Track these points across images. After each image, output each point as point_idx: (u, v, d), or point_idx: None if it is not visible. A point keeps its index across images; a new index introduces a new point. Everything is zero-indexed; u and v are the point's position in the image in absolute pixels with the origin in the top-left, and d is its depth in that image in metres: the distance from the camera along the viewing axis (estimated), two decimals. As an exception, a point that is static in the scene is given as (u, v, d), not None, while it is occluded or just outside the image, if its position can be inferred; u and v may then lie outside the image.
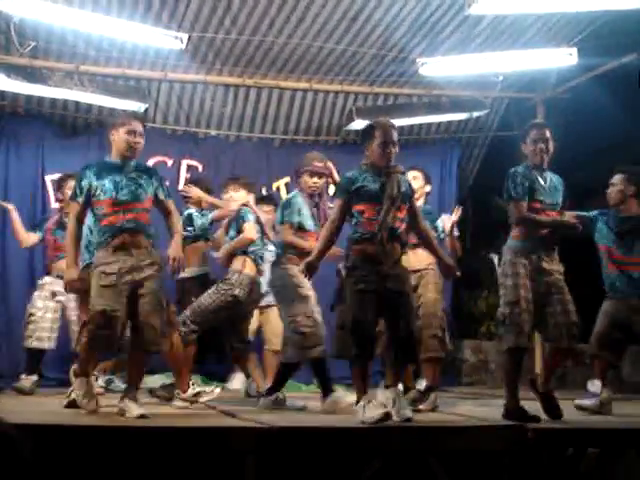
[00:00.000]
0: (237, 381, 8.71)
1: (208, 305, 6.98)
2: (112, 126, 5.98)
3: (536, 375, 6.28)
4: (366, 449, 5.25)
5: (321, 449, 5.14)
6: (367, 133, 5.97)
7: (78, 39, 8.65)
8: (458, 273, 6.26)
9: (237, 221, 7.28)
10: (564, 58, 8.84)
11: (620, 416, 6.66)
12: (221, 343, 7.53)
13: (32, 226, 8.50)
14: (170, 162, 10.02)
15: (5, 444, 1.74)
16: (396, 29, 8.78)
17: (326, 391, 6.57)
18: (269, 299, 7.74)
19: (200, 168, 10.08)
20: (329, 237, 5.84)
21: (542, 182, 6.11)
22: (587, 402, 6.74)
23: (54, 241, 8.07)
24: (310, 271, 5.80)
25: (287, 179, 10.10)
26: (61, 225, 7.87)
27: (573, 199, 6.69)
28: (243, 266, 7.12)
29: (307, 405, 6.74)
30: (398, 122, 9.67)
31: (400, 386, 6.04)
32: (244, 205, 7.38)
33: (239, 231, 7.23)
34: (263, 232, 7.42)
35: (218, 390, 6.52)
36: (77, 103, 9.58)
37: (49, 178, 9.45)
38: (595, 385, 6.83)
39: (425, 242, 6.22)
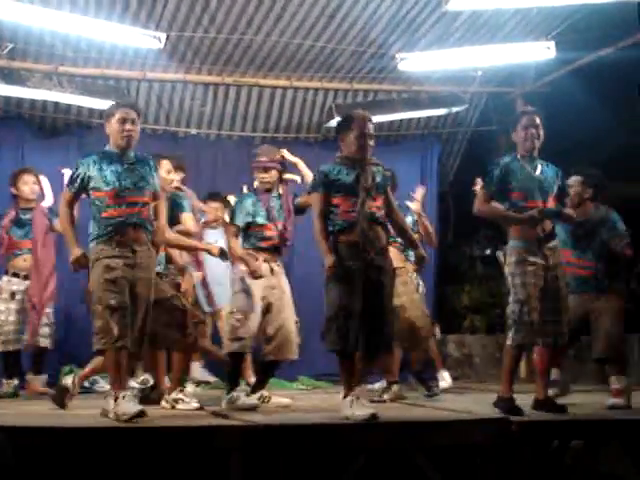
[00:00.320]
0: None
1: None
2: (105, 118, 5.86)
3: (537, 394, 6.22)
4: (351, 445, 5.26)
5: (306, 446, 5.15)
6: (344, 125, 5.97)
7: (56, 40, 8.62)
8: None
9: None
10: (542, 52, 8.88)
11: (603, 408, 6.69)
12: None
13: None
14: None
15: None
16: (374, 25, 8.81)
17: (231, 388, 6.55)
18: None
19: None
20: (324, 228, 5.80)
21: (530, 171, 6.10)
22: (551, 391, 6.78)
23: (9, 239, 7.79)
24: (333, 270, 5.75)
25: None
26: (17, 222, 7.76)
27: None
28: None
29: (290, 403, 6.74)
30: (378, 118, 9.70)
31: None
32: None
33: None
34: None
35: (196, 405, 6.42)
36: (56, 104, 9.53)
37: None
38: (554, 373, 6.86)
39: (400, 231, 6.23)
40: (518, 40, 8.94)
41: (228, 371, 6.80)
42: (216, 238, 8.17)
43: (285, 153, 7.11)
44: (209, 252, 6.79)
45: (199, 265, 8.34)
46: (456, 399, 7.58)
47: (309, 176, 7.04)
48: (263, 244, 6.72)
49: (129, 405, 5.37)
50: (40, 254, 7.68)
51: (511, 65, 9.51)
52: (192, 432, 5.14)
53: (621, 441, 5.88)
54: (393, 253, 6.38)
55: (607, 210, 7.10)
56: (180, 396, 6.50)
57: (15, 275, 7.66)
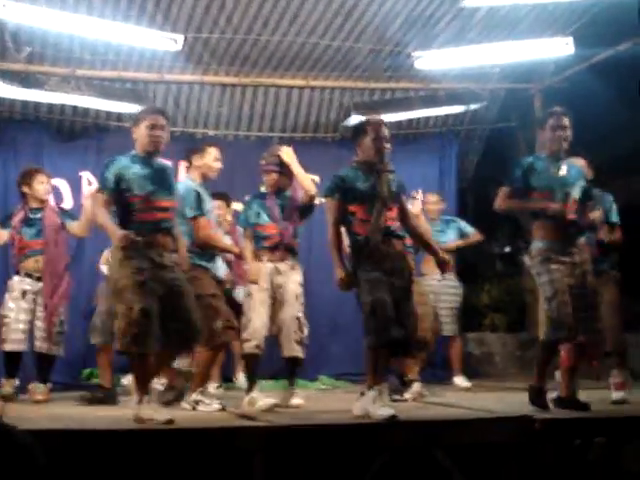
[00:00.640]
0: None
1: None
2: (133, 122, 5.88)
3: (561, 391, 6.21)
4: (373, 444, 5.25)
5: (328, 446, 5.15)
6: (359, 130, 5.98)
7: (73, 43, 8.64)
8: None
9: None
10: (560, 48, 8.83)
11: (629, 404, 6.67)
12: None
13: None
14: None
15: (20, 452, 1.73)
16: (391, 23, 8.78)
17: (249, 389, 6.63)
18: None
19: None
20: (336, 239, 5.83)
21: (554, 171, 6.08)
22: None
23: (20, 239, 7.61)
24: (345, 283, 5.78)
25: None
26: (27, 222, 7.61)
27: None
28: None
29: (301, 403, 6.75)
30: (395, 117, 9.79)
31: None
32: None
33: None
34: None
35: (217, 406, 6.43)
36: (74, 107, 9.55)
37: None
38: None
39: (418, 238, 6.24)
40: (536, 36, 8.89)
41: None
42: None
43: (282, 152, 7.06)
44: (234, 253, 6.91)
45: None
46: (477, 397, 7.56)
47: (303, 176, 7.02)
48: (266, 243, 6.84)
49: (156, 411, 5.42)
50: (52, 254, 7.56)
51: (529, 61, 9.46)
52: (215, 433, 5.15)
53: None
54: None
55: (602, 192, 7.16)
56: (201, 397, 6.51)
57: (28, 276, 7.54)
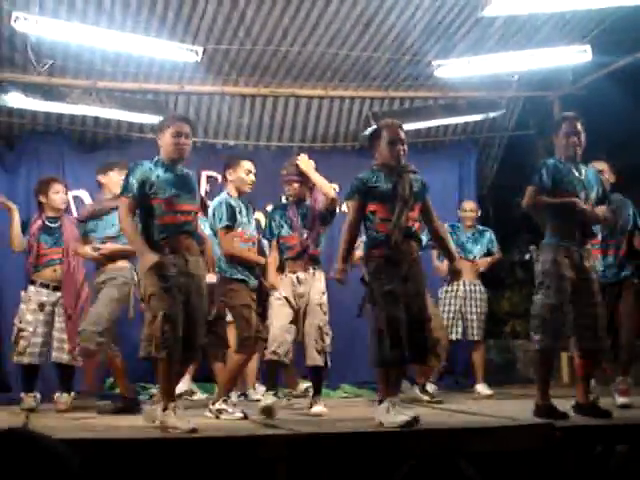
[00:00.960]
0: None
1: None
2: (158, 130, 5.95)
3: (579, 398, 6.21)
4: (395, 452, 5.27)
5: (349, 454, 5.17)
6: (374, 135, 6.02)
7: (94, 56, 8.72)
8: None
9: None
10: (578, 55, 8.85)
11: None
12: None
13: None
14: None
15: (55, 462, 1.77)
16: (410, 32, 8.81)
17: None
18: None
19: (220, 179, 10.12)
20: (349, 239, 5.89)
21: (577, 174, 6.09)
22: None
23: (38, 247, 7.51)
24: (342, 276, 5.84)
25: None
26: (46, 230, 7.54)
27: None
28: None
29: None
30: (415, 125, 9.82)
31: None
32: None
33: None
34: None
35: (240, 415, 6.48)
36: (96, 118, 9.63)
37: (70, 194, 9.49)
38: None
39: (439, 241, 6.27)
40: (554, 44, 8.91)
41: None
42: None
43: (300, 161, 7.13)
44: (258, 264, 6.97)
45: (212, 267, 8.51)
46: (499, 405, 7.57)
47: (322, 181, 7.10)
48: (289, 254, 6.95)
49: (181, 420, 5.42)
50: (72, 263, 7.49)
51: (547, 69, 9.48)
52: (238, 442, 5.19)
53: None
54: None
55: (622, 197, 7.18)
56: (224, 406, 6.55)
57: (44, 286, 7.46)
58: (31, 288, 7.53)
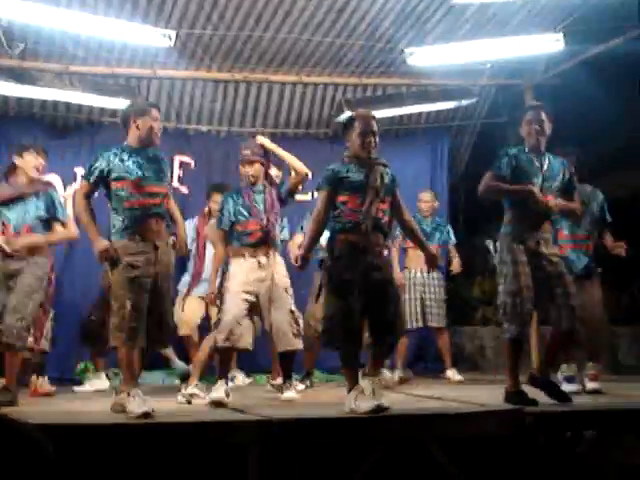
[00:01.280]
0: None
1: None
2: (133, 114, 5.90)
3: (534, 370, 6.29)
4: (367, 438, 5.30)
5: (323, 439, 5.20)
6: (347, 125, 6.01)
7: (66, 39, 8.65)
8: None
9: None
10: (551, 44, 8.88)
11: (616, 397, 6.73)
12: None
13: None
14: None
15: (29, 446, 1.78)
16: (383, 20, 8.82)
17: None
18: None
19: (192, 164, 10.10)
20: (317, 229, 5.88)
21: (538, 164, 6.11)
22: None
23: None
24: (303, 263, 5.85)
25: (279, 172, 10.15)
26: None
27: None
28: None
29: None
30: (387, 112, 9.82)
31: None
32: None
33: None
34: None
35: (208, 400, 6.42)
36: (68, 103, 9.58)
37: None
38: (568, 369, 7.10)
39: (409, 232, 6.28)
40: (527, 32, 8.93)
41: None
42: None
43: (264, 140, 7.13)
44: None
45: (200, 259, 8.54)
46: (469, 391, 7.61)
47: (291, 158, 7.11)
48: (248, 239, 6.81)
49: (136, 404, 5.42)
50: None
51: (520, 57, 9.49)
52: (209, 427, 5.19)
53: (636, 431, 5.90)
54: None
55: (593, 188, 7.23)
56: (195, 391, 6.56)
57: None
58: None
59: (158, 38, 8.40)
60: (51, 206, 6.71)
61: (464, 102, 10.28)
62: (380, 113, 9.30)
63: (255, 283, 6.71)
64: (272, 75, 9.85)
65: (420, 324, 8.96)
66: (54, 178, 9.28)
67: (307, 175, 7.09)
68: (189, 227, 7.92)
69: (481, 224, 10.61)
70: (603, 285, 7.31)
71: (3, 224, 6.78)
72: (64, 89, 8.98)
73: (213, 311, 7.41)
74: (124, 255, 5.63)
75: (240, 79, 9.83)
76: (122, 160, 5.75)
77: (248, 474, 4.97)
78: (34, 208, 6.58)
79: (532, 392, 5.99)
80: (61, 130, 9.90)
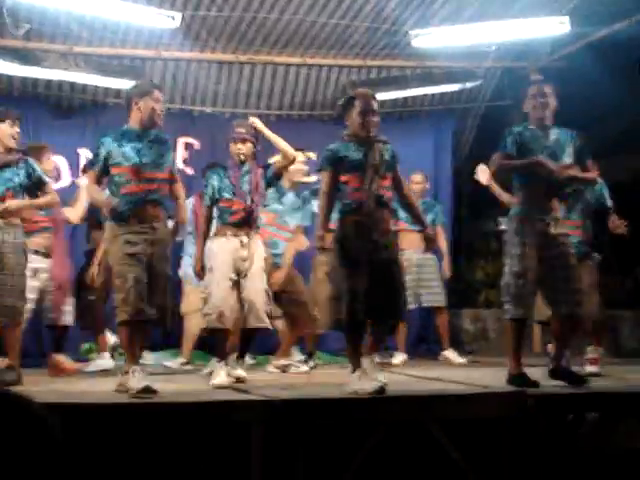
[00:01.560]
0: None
1: None
2: (135, 94, 5.89)
3: (554, 363, 6.24)
4: (369, 419, 5.33)
5: (326, 420, 5.22)
6: (347, 104, 6.01)
7: (71, 20, 8.66)
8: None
9: None
10: (556, 27, 8.87)
11: (618, 380, 6.75)
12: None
13: None
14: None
15: (37, 425, 1.79)
16: (388, 1, 8.83)
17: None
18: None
19: (197, 145, 10.12)
20: (327, 206, 5.87)
21: (543, 139, 6.08)
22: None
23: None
24: (323, 242, 5.85)
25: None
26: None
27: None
28: None
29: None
30: (392, 94, 9.82)
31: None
32: None
33: None
34: None
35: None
36: (72, 84, 9.58)
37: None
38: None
39: (409, 209, 6.28)
40: (532, 15, 8.92)
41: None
42: None
43: (256, 121, 7.12)
44: None
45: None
46: (472, 373, 7.63)
47: (279, 141, 7.07)
48: (231, 219, 6.78)
49: (136, 380, 5.48)
50: (61, 232, 7.51)
51: (525, 40, 9.49)
52: (213, 406, 5.22)
53: (637, 414, 5.92)
54: None
55: None
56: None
57: (37, 253, 7.28)
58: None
59: (163, 19, 8.41)
60: (32, 172, 6.62)
61: (469, 85, 10.28)
62: (384, 95, 9.33)
63: (238, 261, 6.71)
64: (276, 57, 9.85)
65: (414, 305, 8.96)
66: (58, 159, 9.29)
67: (295, 159, 7.13)
68: (188, 208, 7.92)
69: (485, 207, 10.61)
70: (606, 270, 7.32)
71: None
72: (69, 70, 8.99)
73: None
74: (122, 234, 5.65)
75: (244, 61, 9.82)
76: (121, 146, 5.75)
77: (251, 454, 5.00)
78: (15, 175, 6.53)
79: (534, 373, 6.01)
80: (65, 111, 9.92)
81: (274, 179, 7.10)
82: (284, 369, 7.57)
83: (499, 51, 9.90)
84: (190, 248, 8.43)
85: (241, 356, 6.96)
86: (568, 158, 6.10)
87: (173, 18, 8.38)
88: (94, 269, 7.91)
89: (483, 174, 7.48)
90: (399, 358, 8.71)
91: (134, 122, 5.88)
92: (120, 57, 9.42)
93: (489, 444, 5.51)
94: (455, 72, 10.18)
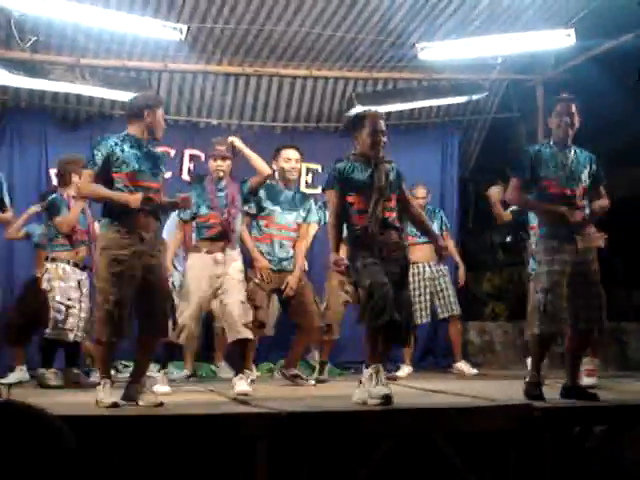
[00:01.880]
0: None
1: None
2: (148, 106, 5.86)
3: (566, 383, 6.22)
4: (375, 432, 5.32)
5: (330, 432, 5.21)
6: (357, 123, 6.02)
7: (78, 32, 8.68)
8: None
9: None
10: (562, 39, 8.88)
11: (626, 393, 6.73)
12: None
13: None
14: (173, 152, 10.06)
15: (53, 436, 1.78)
16: (394, 14, 8.81)
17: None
18: None
19: (202, 157, 10.13)
20: (337, 227, 5.89)
21: (561, 159, 6.06)
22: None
23: (74, 228, 7.60)
24: (338, 265, 5.84)
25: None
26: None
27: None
28: None
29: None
30: (398, 107, 9.85)
31: None
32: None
33: None
34: None
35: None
36: (79, 96, 9.61)
37: (53, 171, 9.48)
38: (590, 363, 7.09)
39: (419, 225, 6.30)
40: (538, 27, 8.93)
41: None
42: None
43: (235, 140, 7.27)
44: None
45: None
46: (478, 385, 7.62)
47: (256, 158, 7.25)
48: (207, 233, 6.94)
49: (105, 394, 5.53)
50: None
51: (531, 52, 9.50)
52: (218, 419, 5.21)
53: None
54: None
55: None
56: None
57: (76, 265, 7.54)
58: (65, 267, 7.58)
59: (169, 32, 8.43)
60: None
61: (475, 97, 10.28)
62: (391, 107, 9.36)
63: (211, 279, 6.82)
64: (283, 69, 9.86)
65: (428, 319, 8.97)
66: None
67: (270, 175, 7.30)
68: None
69: (491, 219, 10.62)
70: (612, 282, 7.29)
71: None
72: (75, 82, 9.00)
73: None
74: (109, 248, 5.63)
75: (251, 73, 9.84)
76: (122, 150, 5.74)
77: (256, 467, 4.99)
78: None
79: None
80: (72, 123, 9.95)
81: (250, 195, 7.29)
82: (293, 379, 7.56)
83: (505, 63, 9.91)
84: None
85: (238, 370, 6.90)
86: (586, 179, 6.12)
87: (180, 30, 8.39)
88: None
89: (494, 195, 7.51)
90: (405, 370, 8.70)
91: (136, 131, 5.87)
92: (127, 69, 9.44)
93: (496, 457, 5.49)
94: (461, 84, 10.19)
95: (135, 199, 5.59)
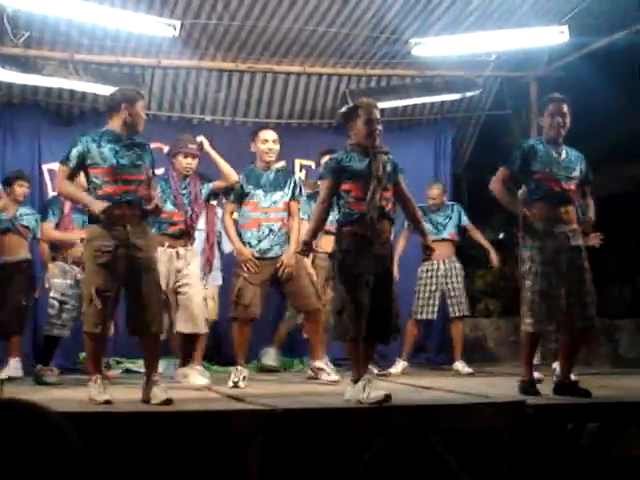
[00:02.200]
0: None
1: None
2: (126, 100, 5.83)
3: (559, 379, 6.23)
4: (368, 429, 5.32)
5: (324, 430, 5.21)
6: (351, 113, 6.02)
7: (72, 28, 8.67)
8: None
9: None
10: (555, 36, 8.88)
11: (618, 389, 6.74)
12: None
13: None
14: (166, 148, 10.00)
15: (55, 433, 1.78)
16: (388, 10, 8.82)
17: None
18: None
19: (164, 149, 10.09)
20: (320, 217, 5.89)
21: (555, 155, 6.11)
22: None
23: (72, 228, 7.70)
24: (306, 250, 5.88)
25: (283, 163, 10.14)
26: (77, 209, 7.55)
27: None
28: None
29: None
30: (392, 103, 9.84)
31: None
32: None
33: None
34: None
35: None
36: (72, 92, 9.59)
37: (46, 167, 9.49)
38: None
39: (412, 219, 6.30)
40: (531, 24, 8.94)
41: None
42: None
43: (204, 142, 7.34)
44: None
45: (210, 248, 8.57)
46: (470, 382, 7.63)
47: (224, 163, 7.28)
48: (170, 230, 7.04)
49: (96, 391, 5.53)
50: None
51: (525, 49, 9.51)
52: (212, 416, 5.21)
53: (637, 424, 5.91)
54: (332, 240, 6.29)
55: None
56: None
57: (75, 264, 7.54)
58: (66, 265, 7.67)
59: (163, 28, 8.42)
60: None
61: (468, 94, 10.29)
62: (384, 104, 9.33)
63: (172, 273, 6.95)
64: (276, 65, 9.86)
65: (433, 316, 8.94)
66: (57, 167, 9.30)
67: (235, 182, 7.20)
68: None
69: (484, 216, 10.63)
70: (604, 279, 7.32)
71: None
72: (69, 77, 8.98)
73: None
74: (94, 240, 5.64)
75: (244, 69, 9.83)
76: (99, 146, 5.72)
77: (249, 463, 4.99)
78: None
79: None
80: (65, 118, 9.93)
81: (211, 197, 7.40)
82: (316, 373, 7.46)
83: (499, 60, 9.92)
84: None
85: (188, 361, 7.07)
86: (577, 176, 6.18)
87: (174, 27, 8.38)
88: None
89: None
90: (398, 368, 8.68)
91: (116, 125, 5.84)
92: (120, 65, 9.42)
93: (488, 454, 5.50)
94: (455, 81, 10.19)
95: (99, 208, 5.58)
